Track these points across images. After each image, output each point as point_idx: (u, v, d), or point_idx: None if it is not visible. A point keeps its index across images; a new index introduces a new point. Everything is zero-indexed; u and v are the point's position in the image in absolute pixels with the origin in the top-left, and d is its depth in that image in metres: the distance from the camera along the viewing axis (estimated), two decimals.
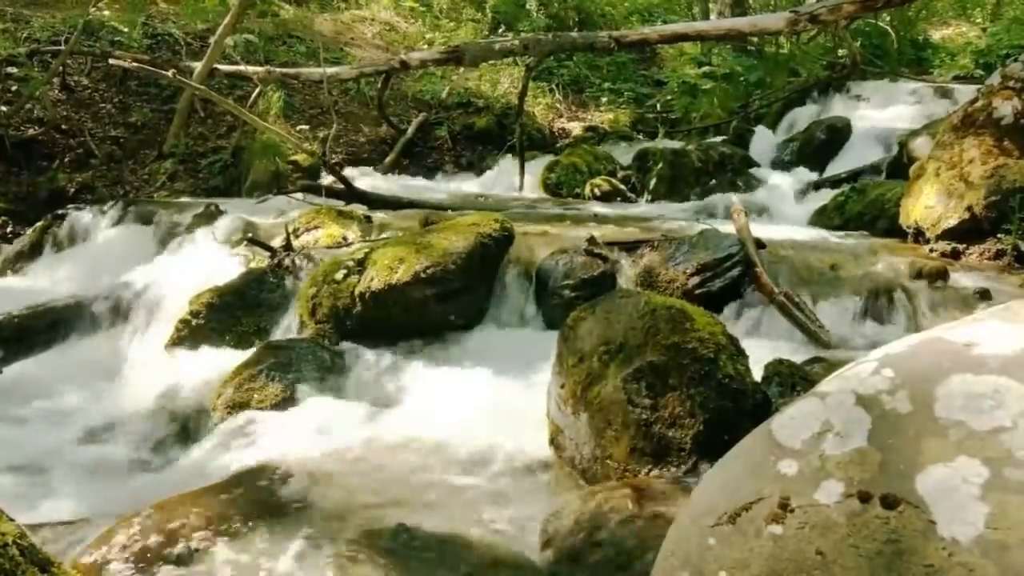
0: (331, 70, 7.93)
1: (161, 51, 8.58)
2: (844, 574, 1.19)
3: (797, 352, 3.44)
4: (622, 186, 7.22)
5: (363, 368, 3.67)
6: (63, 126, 7.42)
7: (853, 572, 1.18)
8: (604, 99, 10.41)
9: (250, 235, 4.80)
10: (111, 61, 7.35)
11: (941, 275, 3.92)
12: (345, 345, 3.83)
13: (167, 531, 2.18)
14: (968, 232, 4.39)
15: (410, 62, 7.78)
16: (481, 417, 3.09)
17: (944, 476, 1.20)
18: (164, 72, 6.24)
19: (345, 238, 4.75)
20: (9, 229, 6.51)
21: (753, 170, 7.35)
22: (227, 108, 6.58)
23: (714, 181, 6.95)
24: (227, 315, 4.14)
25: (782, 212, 6.16)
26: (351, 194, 5.95)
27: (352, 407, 3.28)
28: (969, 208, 4.35)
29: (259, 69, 7.83)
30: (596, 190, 7.15)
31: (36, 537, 1.65)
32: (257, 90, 7.68)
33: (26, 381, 4.04)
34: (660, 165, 7.08)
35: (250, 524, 2.25)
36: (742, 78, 9.75)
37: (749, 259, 4.03)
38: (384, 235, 4.76)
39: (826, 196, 6.07)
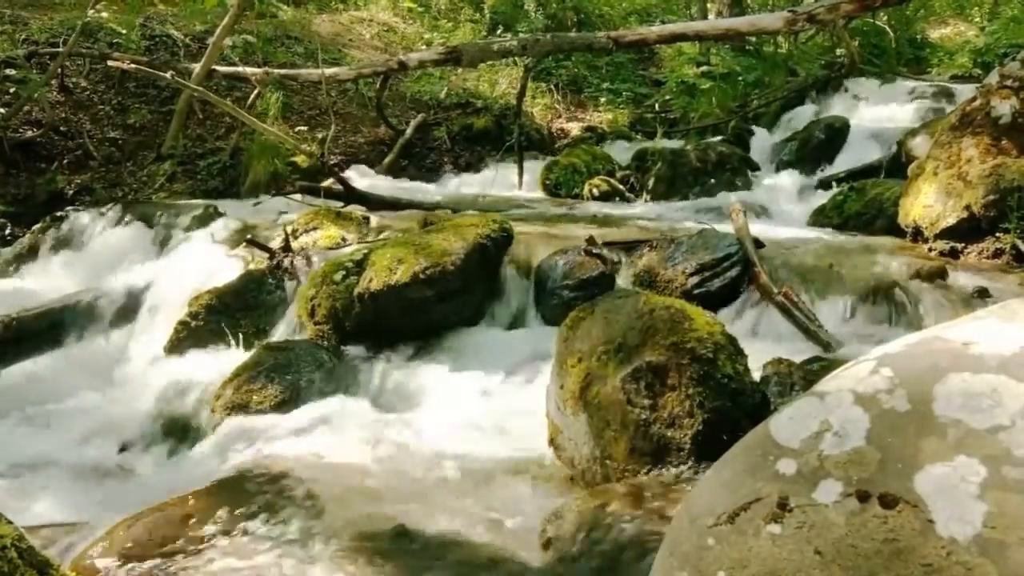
0: (329, 71, 7.93)
1: (159, 52, 8.57)
2: (842, 574, 1.19)
3: (796, 352, 3.44)
4: (621, 186, 7.22)
5: (362, 369, 3.68)
6: (62, 128, 7.41)
7: (851, 571, 1.18)
8: (603, 99, 10.41)
9: (249, 236, 4.79)
10: (109, 63, 7.32)
11: (940, 274, 3.92)
12: (344, 346, 3.84)
13: (166, 533, 2.19)
14: (967, 231, 4.39)
15: (408, 63, 7.78)
16: (480, 418, 3.09)
17: (943, 475, 1.20)
18: (162, 73, 6.23)
19: (344, 239, 4.75)
20: (8, 231, 6.49)
21: (752, 170, 7.35)
22: (225, 109, 6.57)
23: (713, 181, 6.94)
24: (226, 316, 4.14)
25: (781, 211, 6.16)
26: (350, 195, 5.94)
27: (351, 408, 3.28)
28: (968, 207, 4.34)
29: (257, 70, 7.82)
30: (595, 190, 7.15)
31: (35, 539, 1.65)
32: (255, 91, 7.67)
33: (25, 383, 4.05)
34: (659, 165, 7.08)
35: (249, 526, 2.25)
36: (740, 78, 9.76)
37: (748, 259, 4.03)
38: (383, 236, 4.76)
39: (825, 195, 6.08)
